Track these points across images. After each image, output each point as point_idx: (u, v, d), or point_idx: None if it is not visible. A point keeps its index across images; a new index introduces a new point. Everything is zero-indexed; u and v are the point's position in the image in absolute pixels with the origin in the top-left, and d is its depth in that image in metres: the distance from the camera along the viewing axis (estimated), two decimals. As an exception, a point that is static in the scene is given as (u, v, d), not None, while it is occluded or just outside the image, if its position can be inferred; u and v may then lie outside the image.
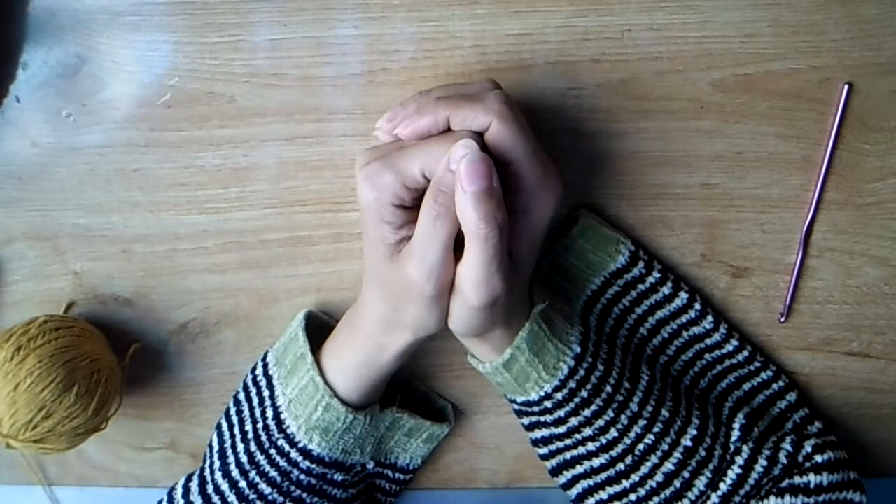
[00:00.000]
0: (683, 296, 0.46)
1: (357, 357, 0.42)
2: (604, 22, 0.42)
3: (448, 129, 0.36)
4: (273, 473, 0.43)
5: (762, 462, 0.43)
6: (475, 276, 0.35)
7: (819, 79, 0.43)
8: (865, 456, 0.51)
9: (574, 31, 0.42)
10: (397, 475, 0.49)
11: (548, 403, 0.42)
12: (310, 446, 0.42)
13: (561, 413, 0.42)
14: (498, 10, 0.42)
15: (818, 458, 0.43)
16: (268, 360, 0.45)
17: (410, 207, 0.36)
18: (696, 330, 0.47)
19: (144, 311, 0.48)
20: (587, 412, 0.42)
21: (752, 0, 0.42)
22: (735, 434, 0.44)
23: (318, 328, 0.46)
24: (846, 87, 0.43)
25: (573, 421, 0.42)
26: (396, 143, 0.37)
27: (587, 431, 0.42)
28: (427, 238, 0.35)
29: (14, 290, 0.48)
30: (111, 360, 0.45)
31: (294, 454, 0.43)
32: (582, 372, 0.41)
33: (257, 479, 0.43)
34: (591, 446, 0.43)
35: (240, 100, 0.44)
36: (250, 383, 0.46)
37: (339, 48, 0.43)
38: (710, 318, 0.47)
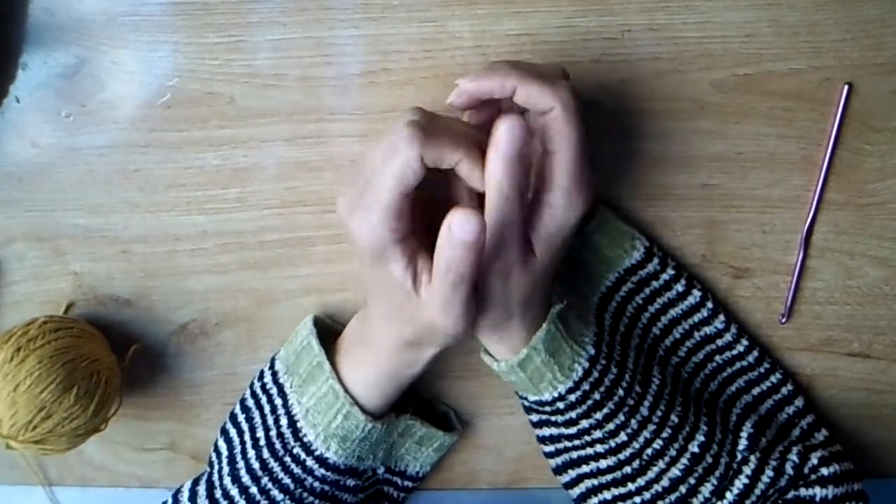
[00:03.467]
0: (696, 293, 0.46)
1: (380, 371, 0.42)
2: (604, 22, 0.42)
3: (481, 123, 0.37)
4: (287, 480, 0.43)
5: (769, 473, 0.43)
6: (491, 232, 0.35)
7: (819, 79, 0.43)
8: (866, 456, 0.51)
9: (574, 31, 0.42)
10: (406, 483, 0.49)
11: (560, 404, 0.41)
12: (326, 454, 0.42)
13: (572, 414, 0.42)
14: (498, 10, 0.42)
15: (824, 471, 0.43)
16: (276, 368, 0.45)
17: (407, 237, 0.36)
18: (707, 330, 0.47)
19: (144, 311, 0.48)
20: (598, 415, 0.42)
21: (752, 0, 0.42)
22: (743, 443, 0.44)
23: (324, 332, 0.46)
24: (846, 87, 0.43)
25: (584, 423, 0.42)
26: (360, 181, 0.35)
27: (597, 434, 0.42)
28: (448, 295, 0.35)
29: (14, 291, 0.48)
30: (111, 360, 0.45)
31: (310, 462, 0.43)
32: (596, 374, 0.41)
33: (270, 485, 0.43)
34: (599, 448, 0.43)
35: (240, 100, 0.44)
36: (259, 391, 0.46)
37: (339, 48, 0.43)
38: (721, 317, 0.47)
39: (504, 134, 0.33)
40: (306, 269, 0.47)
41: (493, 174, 0.34)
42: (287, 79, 0.43)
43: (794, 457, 0.43)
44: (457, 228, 0.32)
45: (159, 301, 0.48)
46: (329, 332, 0.46)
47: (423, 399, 0.50)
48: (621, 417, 0.42)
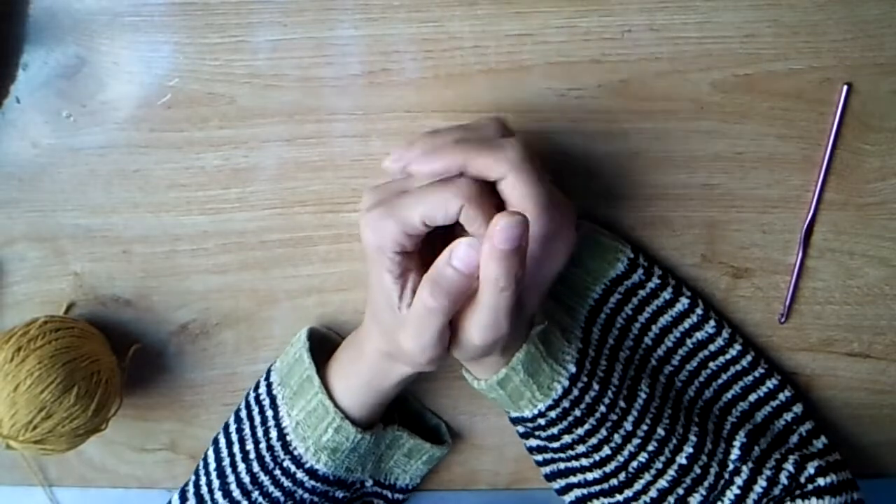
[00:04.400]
0: (685, 300, 0.46)
1: (361, 379, 0.42)
2: (604, 22, 0.42)
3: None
4: (277, 494, 0.43)
5: (762, 483, 0.43)
6: (483, 321, 0.35)
7: (819, 79, 0.43)
8: (866, 456, 0.51)
9: (574, 31, 0.42)
10: (395, 496, 0.49)
11: (541, 421, 0.42)
12: (316, 466, 0.43)
13: (554, 430, 0.42)
14: (498, 10, 0.42)
15: (821, 482, 0.43)
16: (271, 378, 0.45)
17: (412, 253, 0.36)
18: (699, 336, 0.47)
19: (145, 311, 0.48)
20: (580, 431, 0.42)
21: (752, 0, 0.42)
22: (735, 453, 0.44)
23: (320, 343, 0.46)
24: (846, 87, 0.43)
25: (566, 438, 0.42)
26: (398, 185, 0.36)
27: (580, 448, 0.42)
28: (421, 323, 0.35)
29: (14, 291, 0.48)
30: (111, 360, 0.45)
31: (300, 474, 0.43)
32: (576, 392, 0.41)
33: (260, 499, 0.43)
34: (584, 461, 0.43)
35: (240, 100, 0.44)
36: (252, 401, 0.46)
37: (339, 49, 0.43)
38: (712, 321, 0.46)
39: (501, 231, 0.32)
40: (306, 269, 0.47)
41: (490, 270, 0.33)
42: (287, 79, 0.43)
43: (789, 466, 0.43)
44: (457, 254, 0.33)
45: (160, 301, 0.48)
46: (326, 341, 0.46)
47: (414, 411, 0.50)
48: (604, 433, 0.42)
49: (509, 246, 0.32)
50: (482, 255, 0.33)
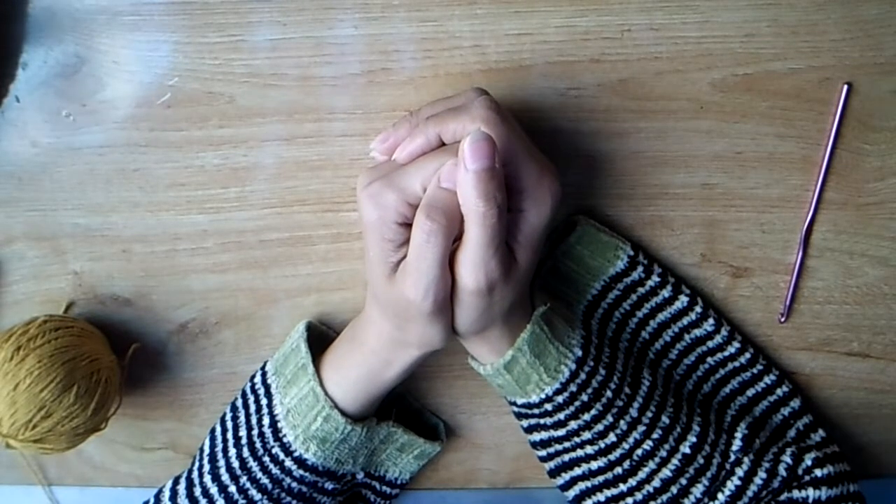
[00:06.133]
0: (684, 298, 0.46)
1: (359, 371, 0.42)
2: (603, 22, 0.42)
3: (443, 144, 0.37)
4: (265, 480, 0.43)
5: (762, 474, 0.43)
6: (472, 258, 0.35)
7: (819, 79, 0.43)
8: (865, 456, 0.51)
9: (574, 30, 0.42)
10: (384, 488, 0.49)
11: (548, 406, 0.42)
12: (305, 455, 0.43)
13: (561, 416, 0.42)
14: (497, 10, 0.42)
15: (818, 473, 0.43)
16: (267, 368, 0.46)
17: (411, 225, 0.36)
18: (697, 332, 0.47)
19: (144, 311, 0.48)
20: (587, 416, 0.42)
21: (751, 0, 0.42)
22: (737, 444, 0.44)
23: (317, 338, 0.46)
24: (846, 87, 0.43)
25: (573, 424, 0.42)
26: (392, 164, 0.37)
27: (586, 435, 0.42)
28: (421, 255, 0.35)
29: (14, 290, 0.48)
30: (111, 360, 0.45)
31: (288, 462, 0.43)
32: (583, 375, 0.41)
33: (248, 484, 0.43)
34: (589, 449, 0.43)
35: (239, 100, 0.44)
36: (248, 391, 0.46)
37: (338, 48, 0.43)
38: (711, 320, 0.47)
39: (469, 150, 0.33)
40: (306, 268, 0.47)
41: (468, 196, 0.34)
42: (287, 78, 0.43)
43: (787, 458, 0.43)
44: (444, 175, 0.34)
45: (159, 300, 0.48)
46: (322, 338, 0.47)
47: (414, 409, 0.50)
48: (610, 419, 0.42)
49: (480, 164, 0.33)
50: (458, 184, 0.34)
